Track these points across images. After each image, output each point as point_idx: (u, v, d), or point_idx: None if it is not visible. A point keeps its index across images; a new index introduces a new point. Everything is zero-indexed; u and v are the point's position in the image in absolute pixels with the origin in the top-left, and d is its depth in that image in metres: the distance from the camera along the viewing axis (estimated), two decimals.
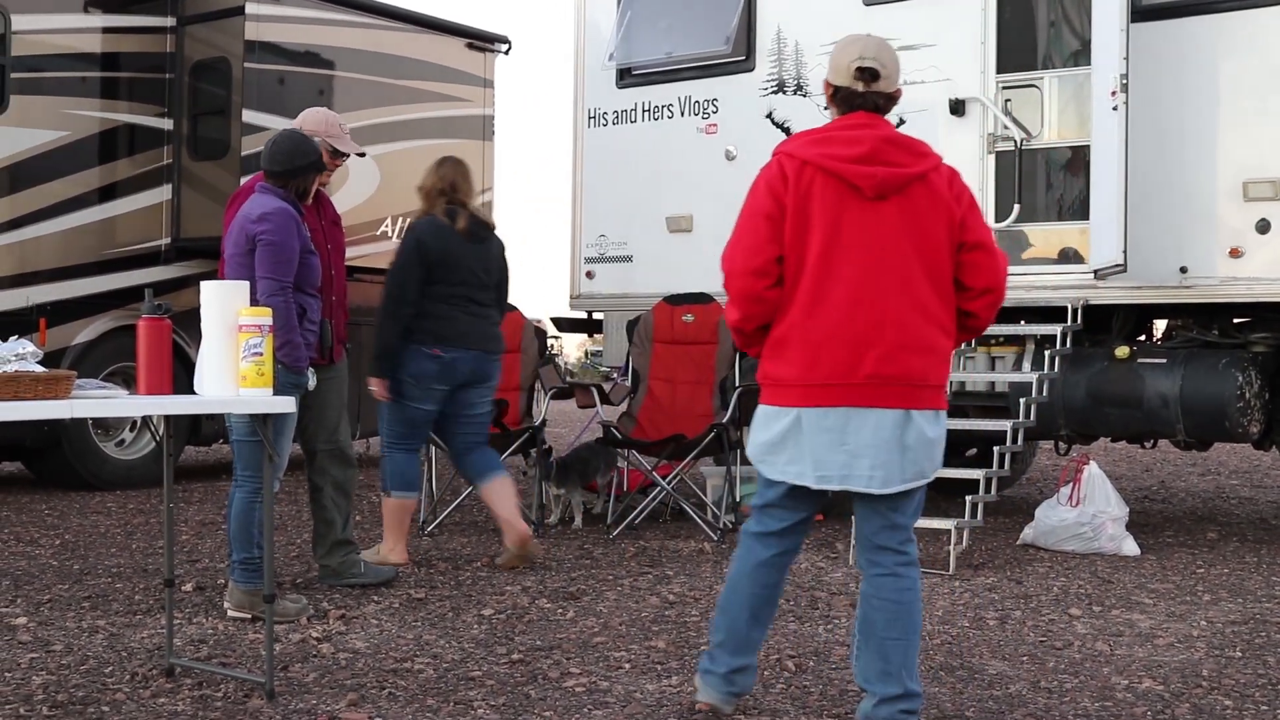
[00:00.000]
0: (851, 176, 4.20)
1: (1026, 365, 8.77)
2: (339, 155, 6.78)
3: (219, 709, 4.63)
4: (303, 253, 6.01)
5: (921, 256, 4.22)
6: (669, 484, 8.85)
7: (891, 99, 4.36)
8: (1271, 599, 6.80)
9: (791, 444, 4.29)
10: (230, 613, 6.02)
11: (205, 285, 4.88)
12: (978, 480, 7.99)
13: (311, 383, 6.22)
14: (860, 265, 4.21)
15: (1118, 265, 8.06)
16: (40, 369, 4.41)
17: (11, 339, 4.52)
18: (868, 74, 4.28)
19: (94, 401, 4.62)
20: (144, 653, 5.38)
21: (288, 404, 4.82)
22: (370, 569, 6.82)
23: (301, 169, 6.13)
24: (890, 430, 4.20)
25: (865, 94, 4.30)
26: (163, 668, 5.08)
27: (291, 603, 6.04)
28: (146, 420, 10.80)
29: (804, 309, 4.24)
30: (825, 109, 4.51)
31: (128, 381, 9.71)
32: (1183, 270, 8.22)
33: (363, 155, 7.09)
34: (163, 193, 11.14)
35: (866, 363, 4.19)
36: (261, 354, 4.70)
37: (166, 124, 11.18)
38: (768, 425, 4.35)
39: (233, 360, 4.73)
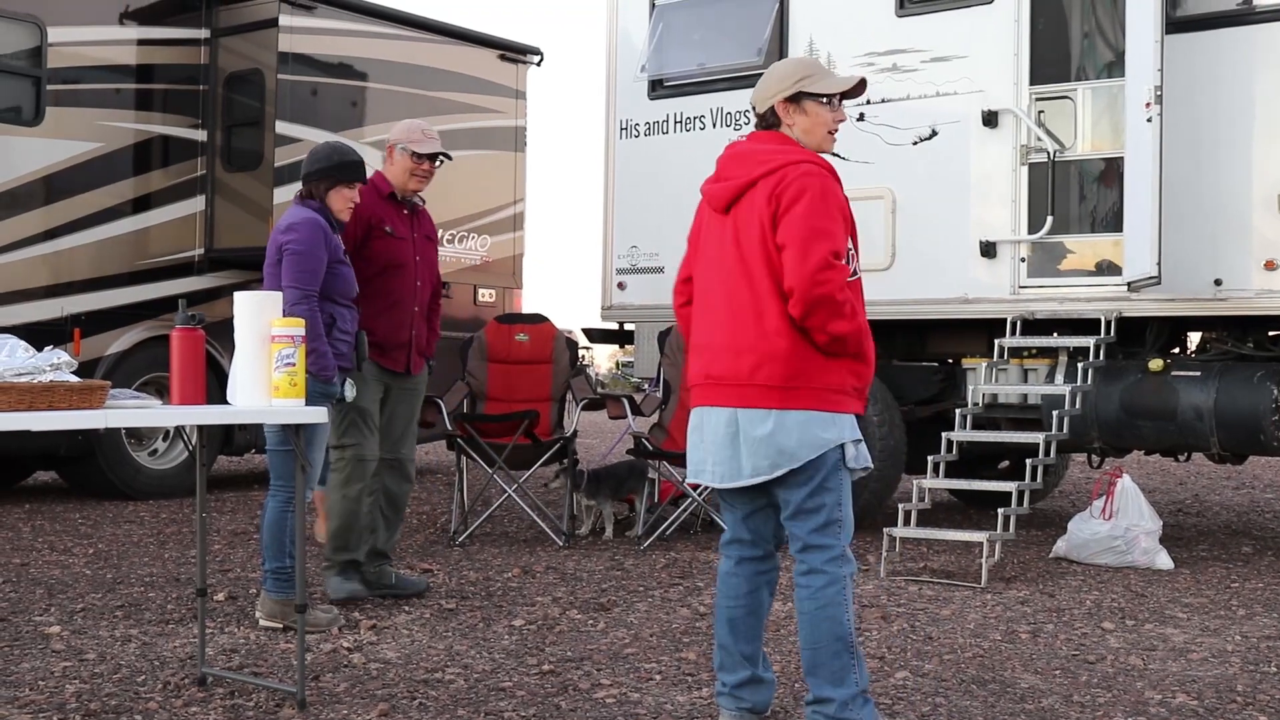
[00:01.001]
0: (705, 194, 4.56)
1: (1059, 377, 8.72)
2: (422, 159, 6.80)
3: (250, 718, 4.65)
4: (334, 263, 6.03)
5: (742, 263, 4.37)
6: (700, 496, 8.83)
7: (773, 112, 4.49)
8: None
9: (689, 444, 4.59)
10: (262, 622, 6.03)
11: (239, 296, 4.90)
12: (1010, 493, 7.97)
13: (349, 393, 6.23)
14: (709, 275, 4.50)
15: (1152, 277, 8.02)
16: (75, 379, 4.44)
17: (46, 349, 4.54)
18: (752, 106, 4.61)
19: (128, 411, 4.64)
20: (176, 662, 5.40)
21: (319, 414, 4.84)
22: (402, 580, 6.82)
23: (313, 175, 6.16)
24: (724, 428, 4.40)
25: (760, 115, 4.55)
26: (195, 677, 5.10)
27: (323, 613, 6.06)
28: (179, 430, 10.84)
29: (694, 320, 4.59)
30: None
31: (160, 391, 9.74)
32: (1217, 283, 8.17)
33: (448, 158, 7.01)
34: (196, 204, 11.20)
35: (703, 365, 4.47)
36: (294, 364, 4.72)
37: (200, 135, 11.25)
38: None
39: (265, 371, 4.74)
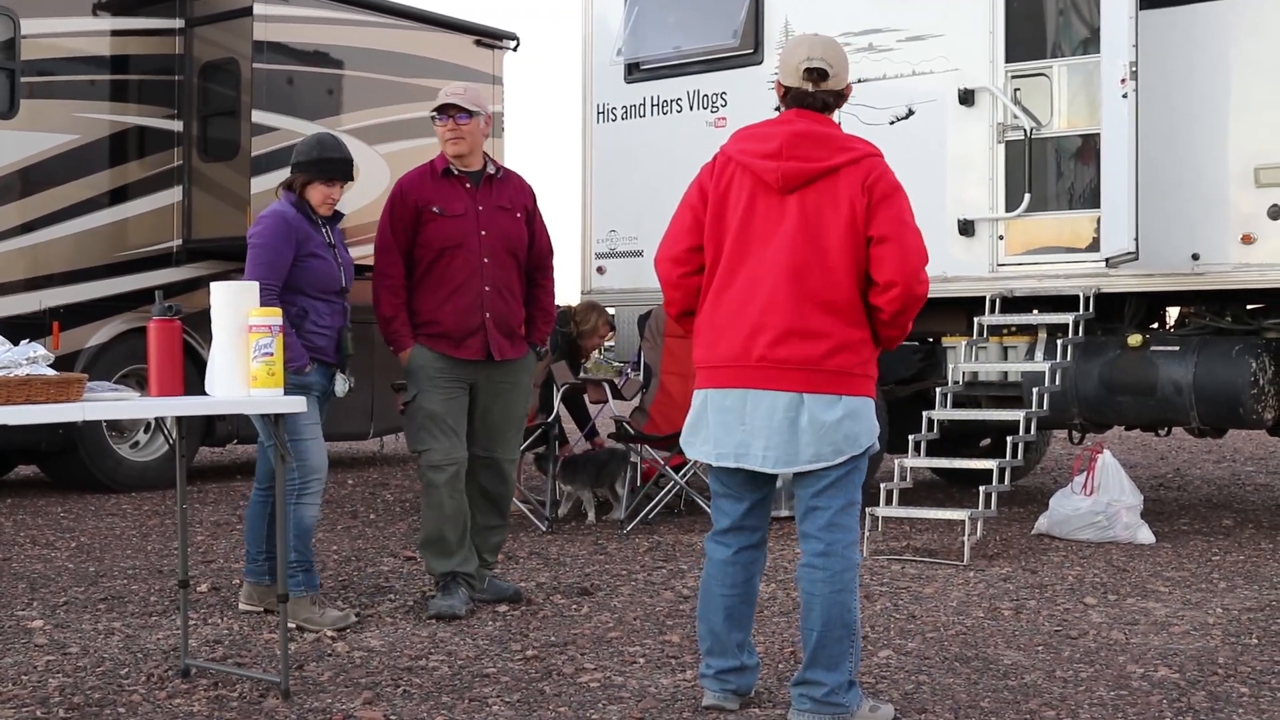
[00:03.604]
0: (760, 171, 4.39)
1: (1039, 355, 8.75)
2: (443, 120, 6.16)
3: (234, 709, 4.64)
4: (304, 256, 5.92)
5: (819, 247, 4.32)
6: (682, 478, 8.84)
7: (841, 96, 4.50)
8: None
9: (702, 425, 4.49)
10: (241, 606, 6.09)
11: (215, 286, 4.89)
12: (991, 471, 7.99)
13: (340, 388, 6.08)
14: (761, 254, 4.38)
15: (1129, 253, 8.04)
16: (52, 372, 4.42)
17: (23, 343, 4.53)
18: (815, 74, 4.42)
19: (105, 404, 4.63)
20: (159, 654, 5.39)
21: (297, 404, 4.83)
22: (492, 584, 6.40)
23: (294, 168, 6.07)
24: (783, 412, 4.33)
25: (815, 93, 4.44)
26: (178, 669, 5.09)
27: (336, 610, 5.99)
28: (160, 422, 10.81)
29: (714, 296, 4.47)
30: (775, 108, 4.64)
31: (141, 384, 9.72)
32: (1195, 257, 8.20)
33: (466, 112, 6.13)
34: (173, 194, 11.16)
35: (758, 346, 4.35)
36: (272, 354, 4.71)
37: (176, 125, 11.20)
38: (690, 409, 4.59)
39: (243, 361, 4.73)
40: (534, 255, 6.42)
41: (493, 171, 6.29)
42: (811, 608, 4.37)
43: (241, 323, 4.75)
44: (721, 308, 4.45)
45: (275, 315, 4.79)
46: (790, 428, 4.32)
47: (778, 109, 4.58)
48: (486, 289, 6.17)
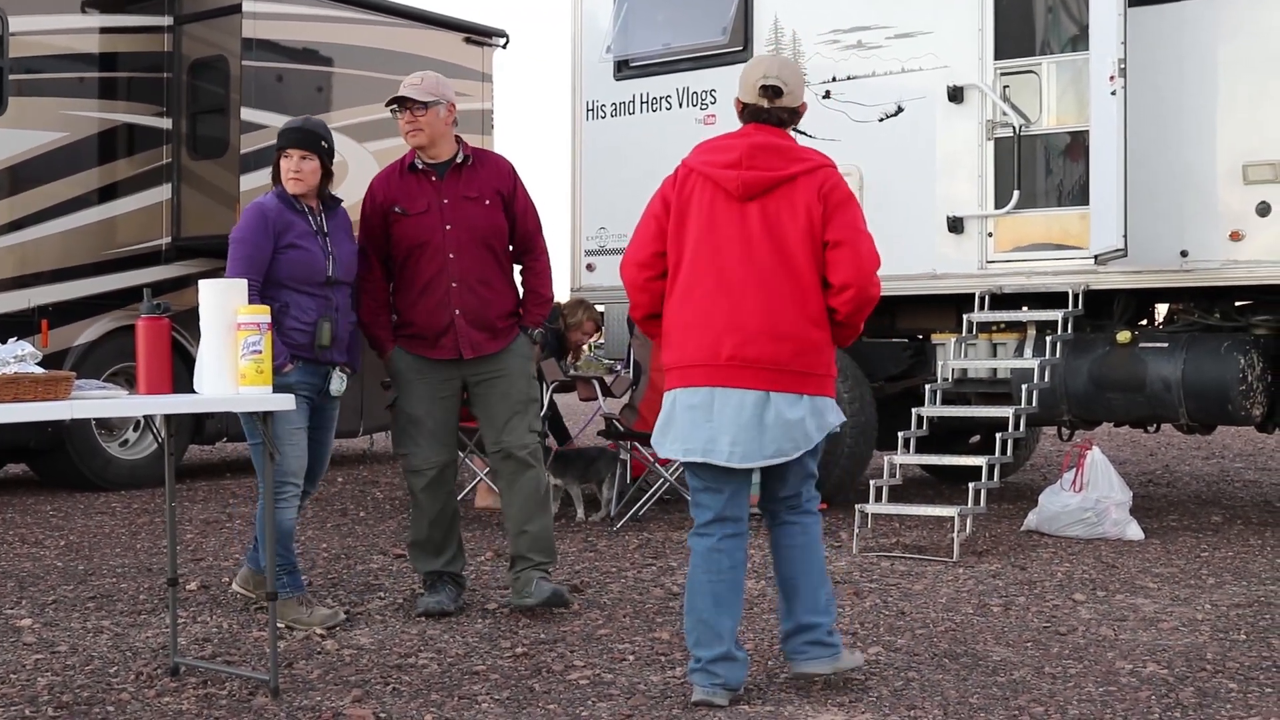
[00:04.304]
0: (721, 180, 4.66)
1: (1028, 351, 8.76)
2: (399, 112, 6.03)
3: (223, 707, 4.64)
4: (284, 247, 5.79)
5: (782, 252, 4.60)
6: (672, 474, 8.84)
7: (795, 113, 4.80)
8: (1276, 581, 6.79)
9: (671, 423, 4.72)
10: (234, 586, 6.14)
11: (203, 284, 4.88)
12: (980, 467, 8.00)
13: (335, 387, 5.98)
14: (726, 259, 4.64)
15: (1118, 250, 8.05)
16: (40, 370, 4.42)
17: (11, 340, 4.52)
18: (771, 91, 4.71)
19: (93, 402, 4.62)
20: (149, 652, 5.39)
21: (286, 401, 4.82)
22: (539, 587, 6.02)
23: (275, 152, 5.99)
24: (750, 410, 4.58)
25: (770, 109, 4.73)
26: (167, 667, 5.09)
27: (325, 608, 5.98)
28: (149, 420, 10.80)
29: (679, 299, 4.72)
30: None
31: (130, 382, 9.71)
32: (1183, 254, 8.21)
33: (416, 103, 5.96)
34: (162, 192, 11.15)
35: (726, 346, 4.59)
36: (260, 352, 4.70)
37: (165, 123, 11.19)
38: (662, 409, 4.79)
39: (232, 358, 4.73)
40: (518, 238, 6.18)
41: (460, 160, 6.07)
42: (793, 558, 4.75)
43: (230, 320, 4.74)
44: (688, 309, 4.68)
45: (264, 313, 4.78)
46: (757, 424, 4.58)
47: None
48: (454, 285, 5.98)
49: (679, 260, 4.71)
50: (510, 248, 6.20)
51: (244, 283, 4.99)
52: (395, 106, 6.06)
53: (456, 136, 6.16)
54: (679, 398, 4.68)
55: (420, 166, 6.07)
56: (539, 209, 6.31)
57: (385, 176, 6.16)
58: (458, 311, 6.00)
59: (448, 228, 5.99)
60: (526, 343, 6.18)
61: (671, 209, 4.74)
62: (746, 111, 4.76)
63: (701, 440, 4.61)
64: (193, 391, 4.88)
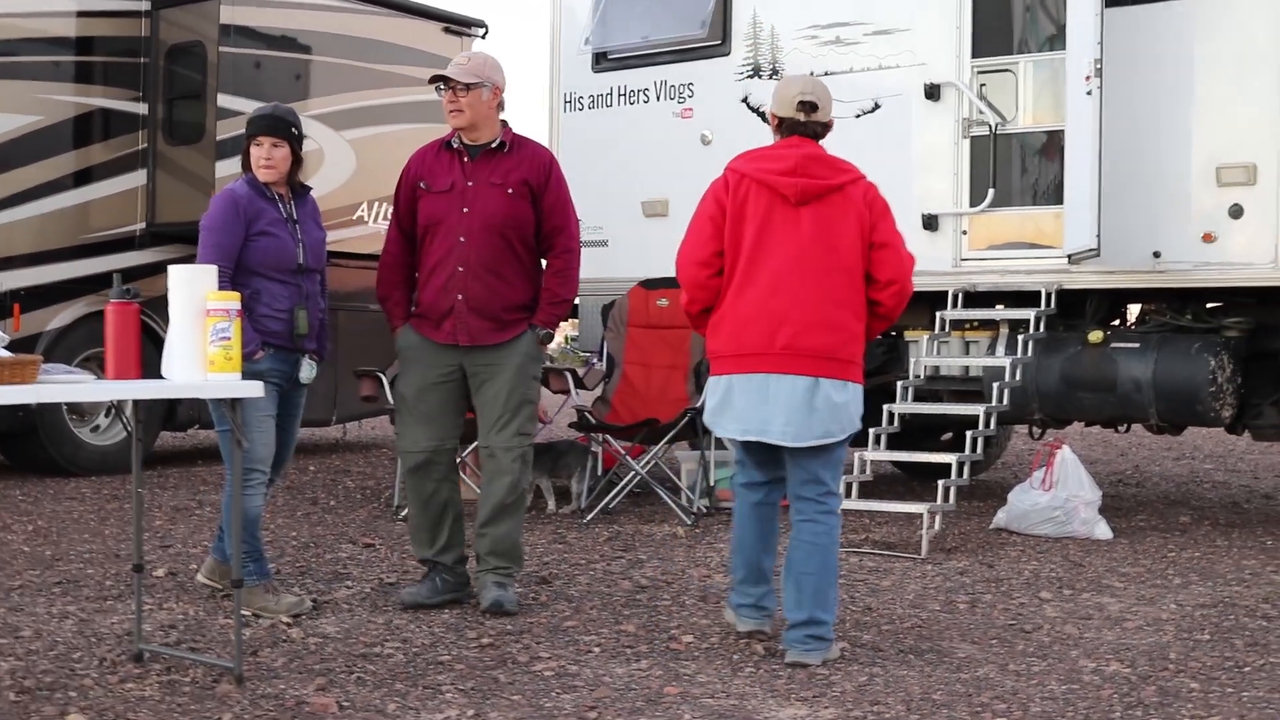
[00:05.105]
0: (778, 186, 5.17)
1: (1000, 349, 8.79)
2: (443, 90, 5.93)
3: (187, 694, 4.63)
4: (255, 234, 5.76)
5: (833, 252, 5.14)
6: (643, 468, 8.84)
7: (827, 126, 5.32)
8: (1241, 582, 6.83)
9: (727, 405, 5.24)
10: (200, 577, 6.11)
11: (173, 269, 4.86)
12: (951, 464, 8.02)
13: (305, 374, 5.95)
14: (781, 257, 5.14)
15: (1091, 250, 8.08)
16: (6, 354, 4.40)
17: None
18: (808, 106, 5.25)
19: (59, 386, 4.61)
20: (113, 638, 5.37)
21: (255, 389, 4.81)
22: (486, 593, 5.92)
23: (244, 140, 5.92)
24: (802, 394, 5.10)
25: (806, 123, 5.26)
26: (132, 653, 5.07)
27: (292, 596, 5.97)
28: (120, 406, 10.74)
29: (736, 293, 5.21)
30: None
31: (103, 367, 9.67)
32: (1156, 255, 8.24)
33: (450, 82, 5.88)
34: (137, 177, 11.08)
35: (781, 336, 5.11)
36: (229, 338, 4.69)
37: (141, 108, 11.12)
38: (713, 392, 5.32)
39: (200, 345, 4.71)
40: (543, 233, 6.01)
41: (495, 145, 5.94)
42: (812, 556, 5.16)
43: (199, 306, 4.73)
44: (743, 303, 5.19)
45: (234, 299, 4.77)
46: (807, 407, 5.10)
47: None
48: (460, 269, 5.87)
49: (736, 258, 5.20)
50: (536, 242, 6.04)
51: (214, 269, 4.99)
52: (440, 84, 5.95)
53: (503, 122, 6.03)
54: (735, 382, 5.20)
55: (456, 146, 5.98)
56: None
57: (422, 151, 6.09)
58: (460, 296, 5.88)
59: (465, 210, 5.88)
60: (533, 341, 5.99)
61: (728, 211, 5.21)
62: (784, 125, 5.28)
63: (758, 421, 5.14)
64: (163, 377, 4.86)
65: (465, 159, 5.95)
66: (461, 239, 5.88)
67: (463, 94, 5.88)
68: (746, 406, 5.17)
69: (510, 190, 5.91)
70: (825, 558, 5.17)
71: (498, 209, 5.89)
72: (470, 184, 5.90)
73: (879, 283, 5.19)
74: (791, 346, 5.09)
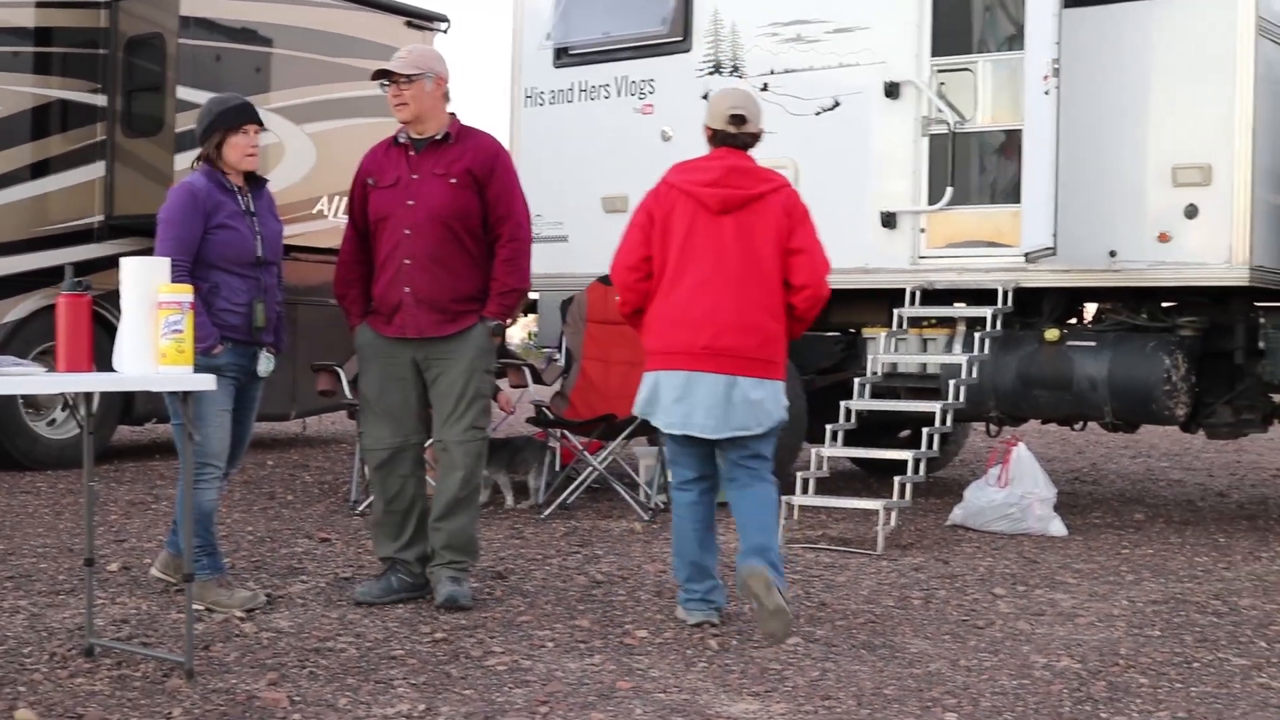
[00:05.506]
0: (702, 197, 5.54)
1: (957, 347, 8.83)
2: (386, 85, 5.92)
3: (137, 689, 4.61)
4: (214, 227, 5.73)
5: (753, 258, 5.49)
6: (601, 463, 8.84)
7: (756, 137, 5.68)
8: (1193, 579, 6.88)
9: (655, 399, 5.60)
10: (154, 571, 6.09)
11: (124, 262, 4.83)
12: (907, 461, 8.05)
13: (264, 368, 5.91)
14: (705, 264, 5.51)
15: (1048, 249, 8.12)
16: None
17: None
18: (738, 119, 5.60)
19: (8, 379, 4.58)
20: (64, 633, 5.34)
21: (206, 381, 4.79)
22: (440, 588, 5.91)
23: (202, 137, 5.87)
24: (721, 390, 5.47)
25: (736, 134, 5.61)
26: (82, 648, 5.05)
27: (246, 591, 5.95)
28: (76, 400, 10.68)
29: (663, 296, 5.57)
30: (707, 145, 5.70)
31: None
32: (1112, 254, 8.30)
33: (394, 76, 5.89)
34: (96, 169, 11.02)
35: (703, 337, 5.47)
36: (181, 331, 4.67)
37: (100, 100, 11.07)
38: (643, 386, 5.67)
39: (152, 337, 4.69)
40: (489, 222, 5.96)
41: (440, 137, 5.93)
42: (755, 507, 5.57)
43: (151, 299, 4.70)
44: (671, 305, 5.52)
45: (186, 292, 4.74)
46: (725, 403, 5.46)
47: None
48: (406, 262, 5.86)
49: (664, 264, 5.55)
50: (486, 232, 5.98)
51: (166, 261, 4.96)
52: (383, 80, 5.95)
53: (451, 114, 6.03)
54: (662, 379, 5.55)
55: (402, 140, 5.99)
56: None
57: (373, 149, 6.10)
58: (407, 289, 5.88)
59: (409, 203, 5.87)
60: (484, 333, 5.95)
61: (656, 220, 5.56)
62: (716, 137, 5.62)
63: (681, 414, 5.51)
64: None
65: (411, 153, 5.95)
66: (407, 231, 5.87)
67: (406, 86, 5.88)
68: (671, 401, 5.53)
69: (454, 180, 5.89)
70: (766, 506, 5.58)
71: (441, 200, 5.88)
72: (415, 177, 5.91)
73: (794, 287, 5.54)
74: (711, 346, 5.45)
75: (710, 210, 5.52)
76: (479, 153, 5.97)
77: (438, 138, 5.95)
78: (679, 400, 5.51)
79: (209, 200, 5.77)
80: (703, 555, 5.65)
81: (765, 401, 5.51)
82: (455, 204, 5.89)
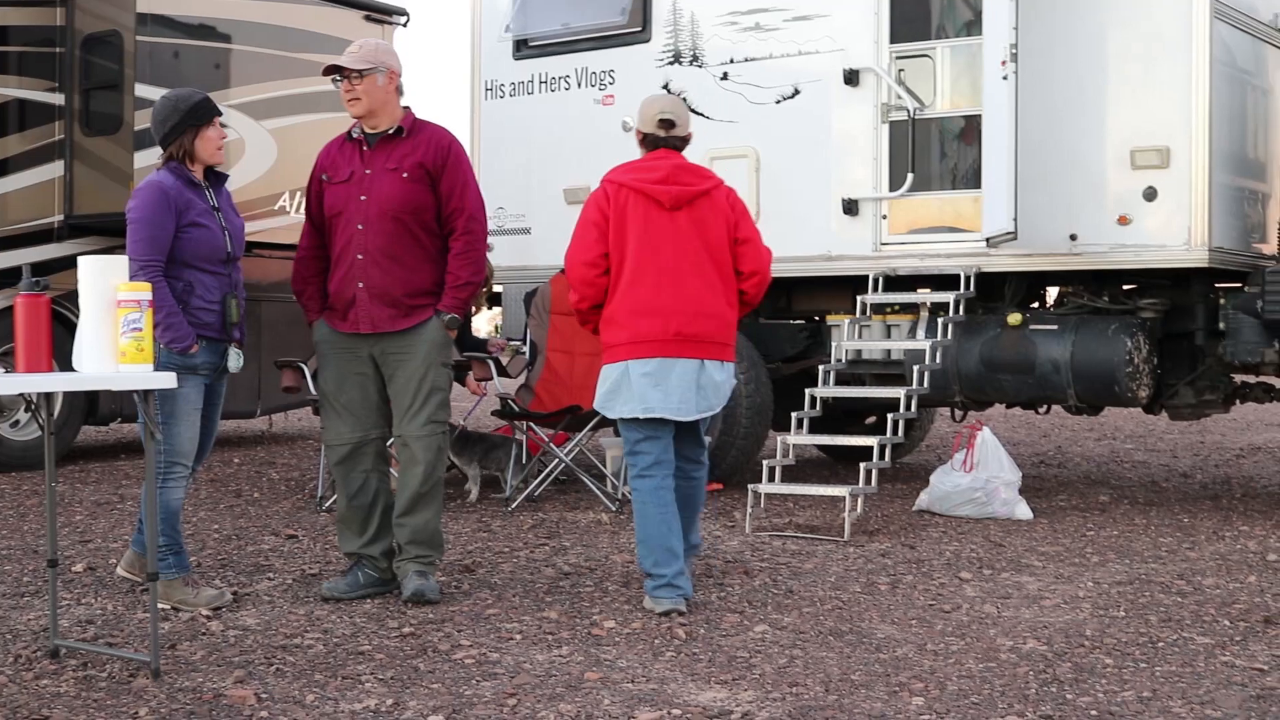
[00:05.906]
0: (654, 193, 5.83)
1: (921, 333, 8.85)
2: (338, 81, 5.93)
3: (103, 689, 4.59)
4: (187, 225, 5.69)
5: (707, 249, 5.86)
6: (567, 455, 8.84)
7: (686, 140, 6.03)
8: (1157, 559, 6.93)
9: (624, 388, 5.84)
10: (120, 570, 6.07)
11: (82, 260, 4.81)
12: (872, 447, 8.07)
13: (233, 364, 5.88)
14: (665, 256, 5.81)
15: (1009, 233, 8.15)
16: None
17: None
18: (667, 123, 5.95)
19: None
20: (29, 635, 5.31)
21: (167, 380, 4.77)
22: (408, 582, 5.91)
23: (169, 135, 5.80)
24: (691, 374, 5.82)
25: (666, 138, 5.96)
26: (47, 649, 5.02)
27: (213, 589, 5.93)
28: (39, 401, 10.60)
29: (625, 290, 5.83)
30: (639, 148, 6.04)
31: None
32: (1072, 238, 8.33)
33: (347, 72, 5.88)
34: (55, 169, 10.95)
35: (673, 325, 5.78)
36: (141, 329, 4.65)
37: (57, 99, 10.99)
38: (605, 379, 5.92)
39: (112, 336, 4.67)
40: (443, 215, 5.94)
41: (392, 131, 5.93)
42: (691, 495, 6.05)
43: (110, 297, 4.68)
44: (635, 297, 5.79)
45: (144, 290, 4.72)
46: (695, 386, 5.82)
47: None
48: (359, 257, 5.87)
49: (621, 259, 5.81)
50: (440, 226, 5.97)
51: (124, 259, 4.93)
52: (335, 76, 5.94)
53: (405, 108, 6.02)
54: (632, 367, 5.80)
55: (356, 135, 5.99)
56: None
57: (329, 145, 6.11)
58: (360, 284, 5.88)
59: (362, 198, 5.87)
60: (439, 327, 5.92)
61: (610, 217, 5.80)
62: (648, 140, 5.96)
63: (656, 399, 5.77)
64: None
65: (365, 148, 5.95)
66: (360, 227, 5.88)
67: (357, 81, 5.88)
68: (643, 387, 5.79)
69: (406, 175, 5.89)
70: (698, 497, 6.16)
71: (393, 194, 5.87)
72: (368, 172, 5.91)
73: (743, 274, 5.95)
74: (683, 333, 5.78)
75: (663, 206, 5.82)
76: (431, 146, 5.95)
77: (390, 132, 5.94)
78: (656, 385, 5.77)
79: (180, 198, 5.72)
80: (670, 538, 5.80)
81: (724, 383, 5.93)
82: (407, 198, 5.88)
